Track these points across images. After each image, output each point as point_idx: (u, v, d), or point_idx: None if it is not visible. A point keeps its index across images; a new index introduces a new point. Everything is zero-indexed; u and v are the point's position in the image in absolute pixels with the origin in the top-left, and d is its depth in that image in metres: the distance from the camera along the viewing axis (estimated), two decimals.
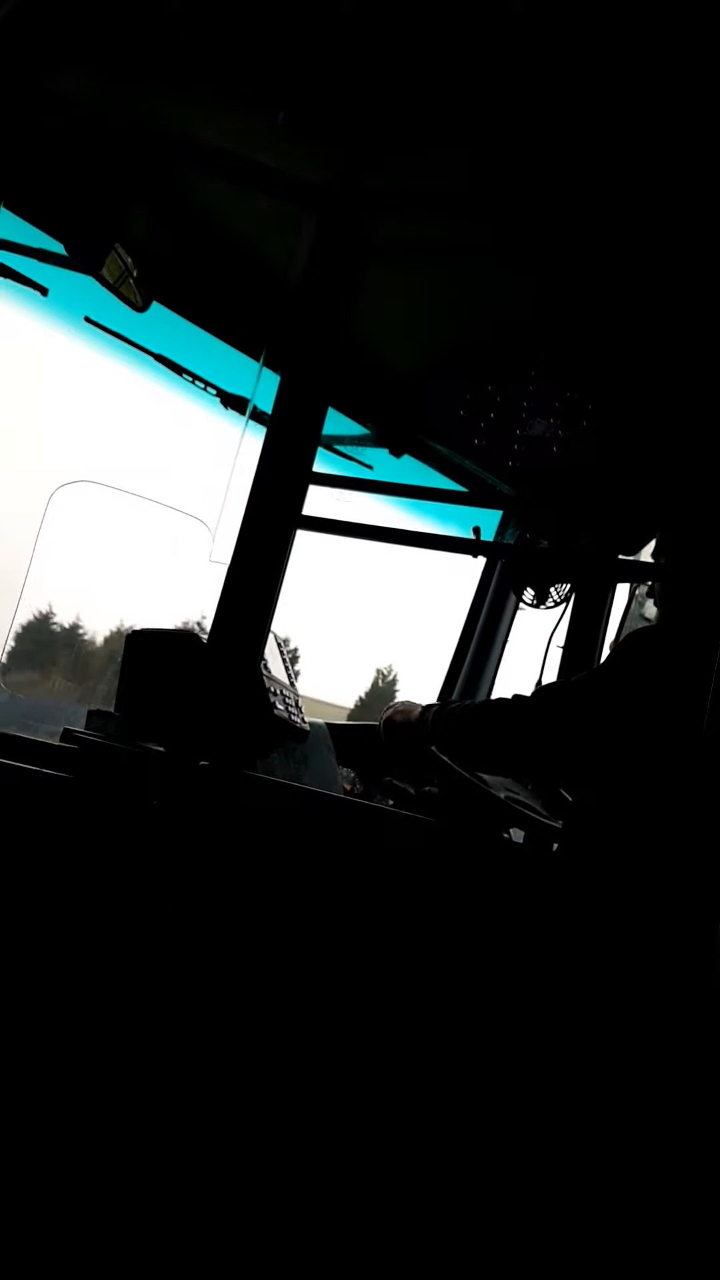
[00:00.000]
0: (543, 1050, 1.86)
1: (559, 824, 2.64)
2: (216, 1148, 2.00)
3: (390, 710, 2.70)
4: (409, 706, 2.64)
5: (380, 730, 2.68)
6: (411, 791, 2.89)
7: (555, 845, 2.64)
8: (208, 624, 2.27)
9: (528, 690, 2.99)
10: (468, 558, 3.76)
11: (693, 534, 2.39)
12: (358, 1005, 1.99)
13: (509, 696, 2.39)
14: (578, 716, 2.26)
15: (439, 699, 3.85)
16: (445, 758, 2.38)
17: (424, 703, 2.65)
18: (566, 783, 2.72)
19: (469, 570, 3.79)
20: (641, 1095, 1.77)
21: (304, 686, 2.63)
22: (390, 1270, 1.87)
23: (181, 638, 2.43)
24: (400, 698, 2.74)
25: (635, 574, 3.13)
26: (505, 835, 2.97)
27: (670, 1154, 1.74)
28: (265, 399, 2.43)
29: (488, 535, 3.67)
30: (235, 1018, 2.05)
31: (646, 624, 3.05)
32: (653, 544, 2.66)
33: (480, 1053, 1.90)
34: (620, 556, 2.95)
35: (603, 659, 3.50)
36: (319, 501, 2.27)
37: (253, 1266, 1.94)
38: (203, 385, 3.06)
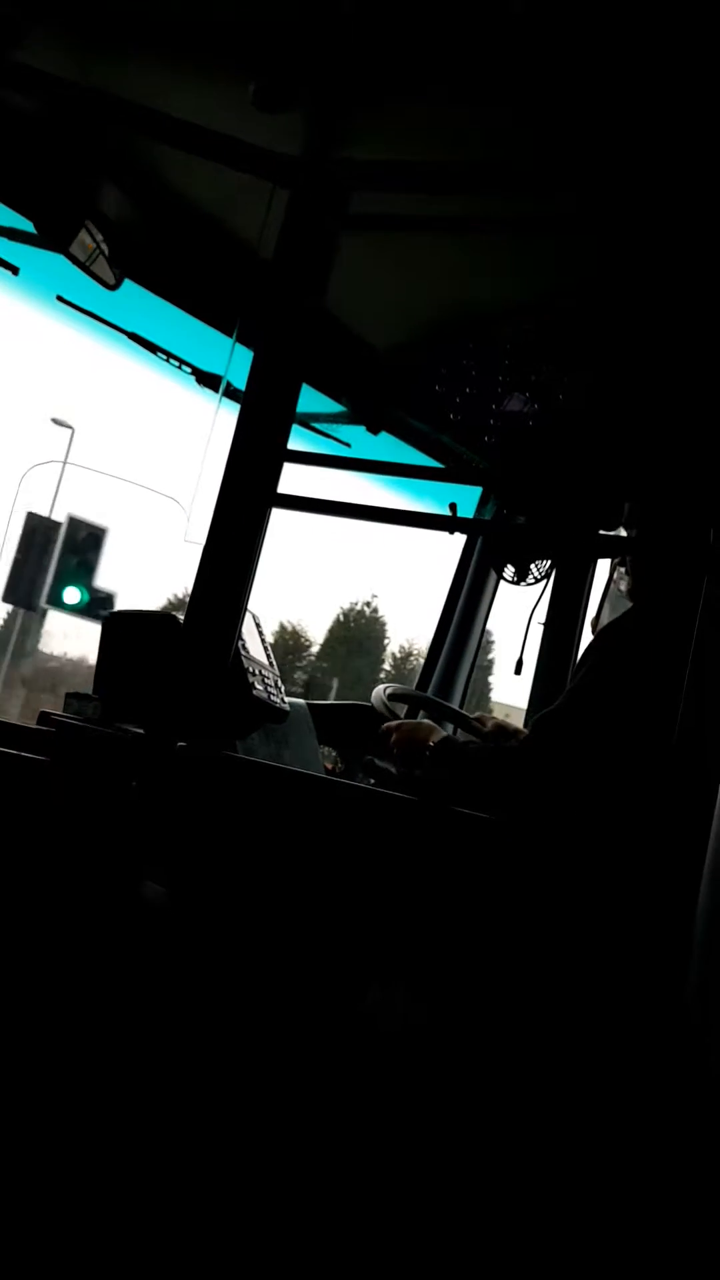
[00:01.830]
0: (526, 1027, 1.86)
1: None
2: (200, 1125, 2.00)
3: (403, 729, 2.62)
4: (425, 730, 2.56)
5: (393, 745, 2.61)
6: (393, 771, 2.88)
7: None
8: (184, 603, 2.26)
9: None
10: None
11: (662, 506, 2.38)
12: (338, 984, 1.99)
13: (511, 746, 2.32)
14: (576, 749, 2.21)
15: (421, 679, 3.84)
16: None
17: (434, 723, 2.60)
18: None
19: None
20: (619, 1072, 1.77)
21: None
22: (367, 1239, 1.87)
23: (159, 619, 2.41)
24: None
25: (615, 549, 3.12)
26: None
27: (640, 1125, 1.74)
28: (240, 376, 2.40)
29: (467, 511, 3.66)
30: (215, 998, 2.05)
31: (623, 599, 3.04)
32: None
33: (462, 1029, 1.90)
34: (600, 532, 2.95)
35: (584, 645, 3.49)
36: (295, 479, 2.26)
37: (233, 1239, 1.95)
38: (177, 363, 3.04)
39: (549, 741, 2.21)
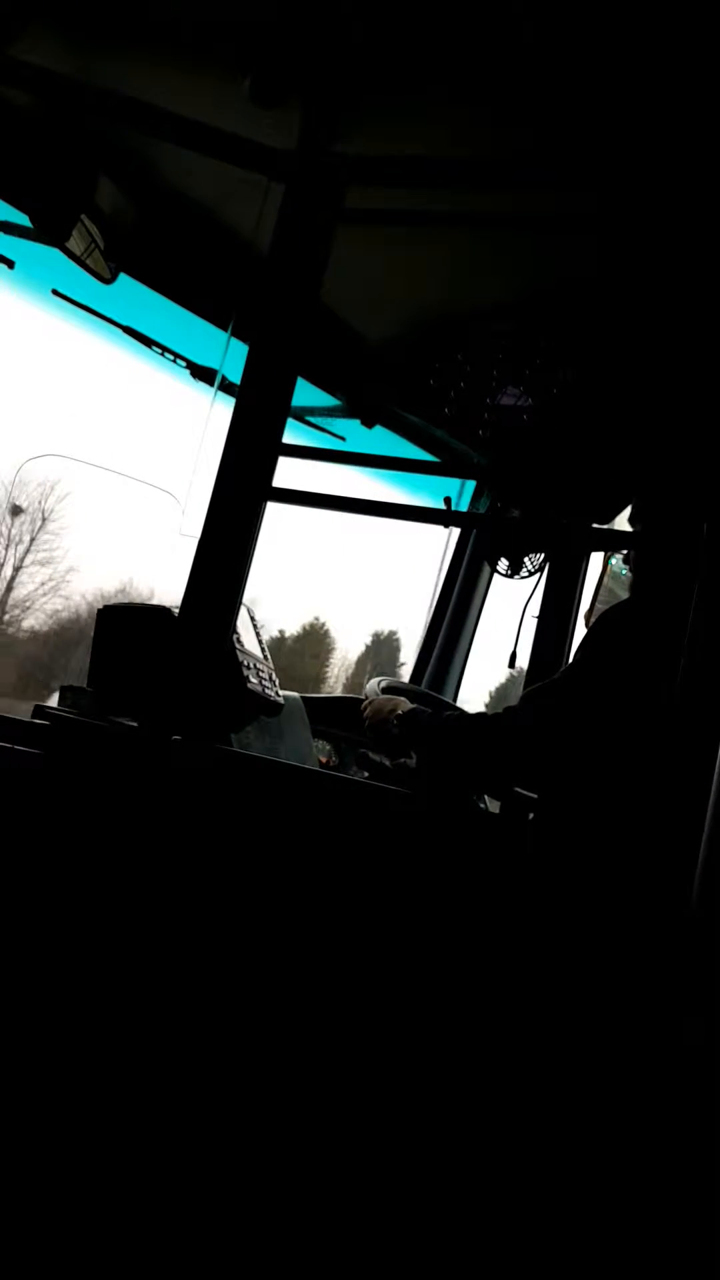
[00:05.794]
0: (524, 1018, 1.87)
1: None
2: (198, 1124, 2.01)
3: (373, 705, 2.66)
4: (393, 704, 2.60)
5: (365, 723, 2.64)
6: (387, 764, 2.89)
7: (531, 815, 2.64)
8: (179, 598, 2.26)
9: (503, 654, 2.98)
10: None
11: (667, 500, 2.39)
12: (333, 977, 2.00)
13: (500, 711, 2.34)
14: (565, 723, 2.22)
15: (414, 673, 3.85)
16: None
17: (404, 698, 2.62)
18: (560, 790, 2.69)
19: None
20: (619, 1061, 1.78)
21: None
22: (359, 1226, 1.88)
23: (153, 612, 2.42)
24: None
25: (609, 542, 3.13)
26: (481, 805, 2.98)
27: (643, 1120, 1.75)
28: (235, 370, 2.41)
29: (462, 505, 3.67)
30: (210, 991, 2.06)
31: (616, 592, 3.05)
32: (627, 512, 2.66)
33: (458, 1021, 1.91)
34: (594, 525, 2.96)
35: (577, 638, 3.51)
36: (291, 473, 2.26)
37: (220, 1225, 1.95)
38: (172, 357, 3.04)
39: (538, 710, 2.22)
